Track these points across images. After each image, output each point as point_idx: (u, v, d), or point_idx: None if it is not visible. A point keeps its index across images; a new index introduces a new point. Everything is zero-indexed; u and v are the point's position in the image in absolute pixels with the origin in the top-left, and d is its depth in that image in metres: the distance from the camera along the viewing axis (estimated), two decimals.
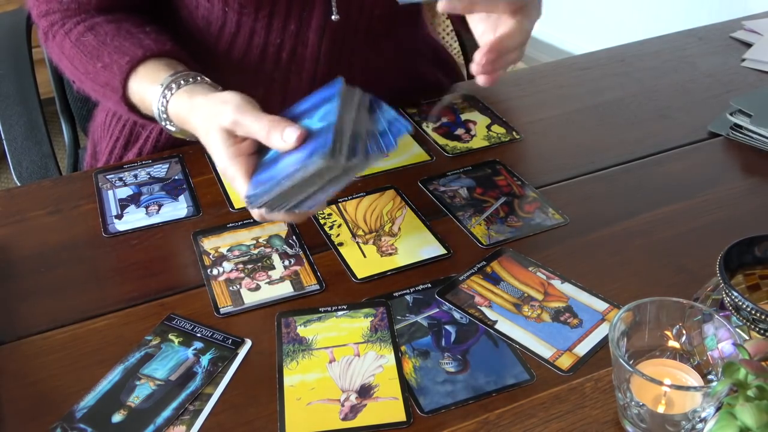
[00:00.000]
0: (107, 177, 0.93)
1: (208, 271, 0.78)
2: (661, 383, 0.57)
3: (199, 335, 0.71)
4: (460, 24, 0.98)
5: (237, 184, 0.73)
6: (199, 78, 0.82)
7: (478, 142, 0.98)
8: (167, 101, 0.82)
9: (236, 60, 0.96)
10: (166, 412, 0.64)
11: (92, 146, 1.12)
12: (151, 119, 0.88)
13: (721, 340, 0.60)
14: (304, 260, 0.79)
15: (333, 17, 0.92)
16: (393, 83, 1.05)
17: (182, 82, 0.82)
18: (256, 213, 0.74)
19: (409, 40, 1.11)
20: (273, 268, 0.78)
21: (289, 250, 0.81)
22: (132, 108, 0.88)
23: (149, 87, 0.84)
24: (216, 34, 0.95)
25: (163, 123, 0.84)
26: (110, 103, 0.90)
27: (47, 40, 0.94)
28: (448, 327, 0.72)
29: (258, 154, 0.74)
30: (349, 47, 0.98)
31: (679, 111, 1.04)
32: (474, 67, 0.78)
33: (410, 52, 1.11)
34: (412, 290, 0.75)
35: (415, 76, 1.12)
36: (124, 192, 0.90)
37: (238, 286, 0.76)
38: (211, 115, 0.75)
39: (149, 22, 0.91)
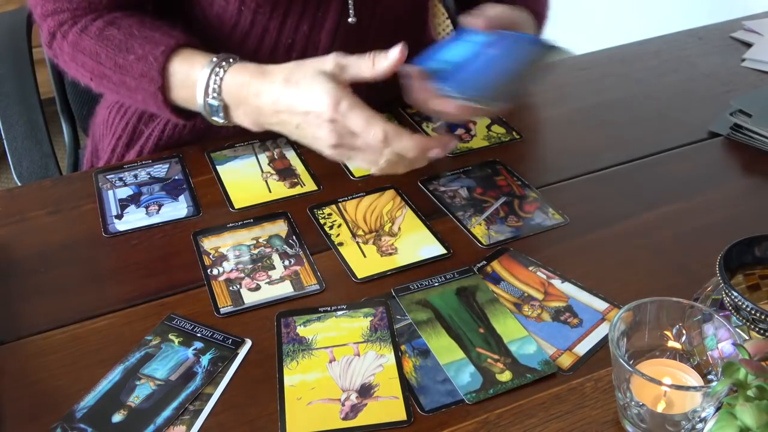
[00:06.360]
0: (107, 177, 0.93)
1: (208, 271, 0.78)
2: (661, 383, 0.57)
3: (199, 335, 0.71)
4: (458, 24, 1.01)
5: (356, 114, 0.76)
6: (240, 59, 0.85)
7: (478, 142, 0.98)
8: (225, 71, 0.84)
9: (245, 59, 0.96)
10: (166, 412, 0.64)
11: (92, 145, 1.12)
12: (180, 111, 0.89)
13: (721, 340, 0.60)
14: (304, 260, 0.79)
15: (350, 20, 0.92)
16: (399, 85, 1.05)
17: (231, 60, 0.85)
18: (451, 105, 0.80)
19: (415, 42, 1.11)
20: (273, 268, 0.78)
21: (289, 250, 0.81)
22: (166, 100, 0.88)
23: (190, 70, 0.86)
24: (228, 32, 0.95)
25: (211, 100, 0.85)
26: (141, 95, 0.90)
27: (54, 41, 0.92)
28: None
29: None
30: (359, 50, 0.98)
31: (679, 111, 1.04)
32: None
33: (416, 53, 1.11)
34: None
35: None
36: (124, 192, 0.90)
37: (238, 286, 0.76)
38: (305, 64, 0.80)
39: (161, 19, 0.92)
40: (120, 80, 0.89)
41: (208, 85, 0.85)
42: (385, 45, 0.80)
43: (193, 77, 0.86)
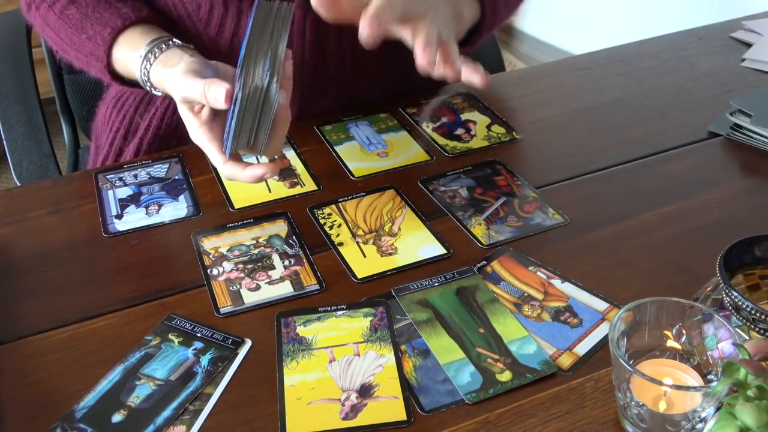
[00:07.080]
0: (107, 177, 0.93)
1: (208, 271, 0.78)
2: (661, 383, 0.57)
3: (199, 335, 0.71)
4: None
5: (208, 151, 0.78)
6: (171, 42, 0.86)
7: (478, 142, 0.98)
8: (148, 71, 0.86)
9: (225, 43, 0.97)
10: (166, 412, 0.64)
11: (95, 144, 1.13)
12: (134, 83, 0.92)
13: (721, 340, 0.60)
14: (304, 260, 0.79)
15: None
16: (387, 79, 1.05)
17: (157, 51, 0.85)
18: (248, 173, 0.77)
19: None
20: (273, 268, 0.78)
21: (289, 250, 0.81)
22: (115, 75, 0.93)
23: (130, 55, 0.88)
24: (206, 17, 0.95)
25: (148, 88, 0.88)
26: (93, 71, 0.94)
27: (29, 10, 0.98)
28: None
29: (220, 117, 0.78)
30: (334, 29, 0.97)
31: (679, 111, 1.04)
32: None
33: (402, 45, 1.11)
34: None
35: (411, 72, 1.12)
36: (124, 192, 0.90)
37: (238, 286, 0.76)
38: (173, 91, 0.81)
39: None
40: (75, 56, 0.94)
41: (142, 75, 0.87)
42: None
43: (131, 66, 0.88)
